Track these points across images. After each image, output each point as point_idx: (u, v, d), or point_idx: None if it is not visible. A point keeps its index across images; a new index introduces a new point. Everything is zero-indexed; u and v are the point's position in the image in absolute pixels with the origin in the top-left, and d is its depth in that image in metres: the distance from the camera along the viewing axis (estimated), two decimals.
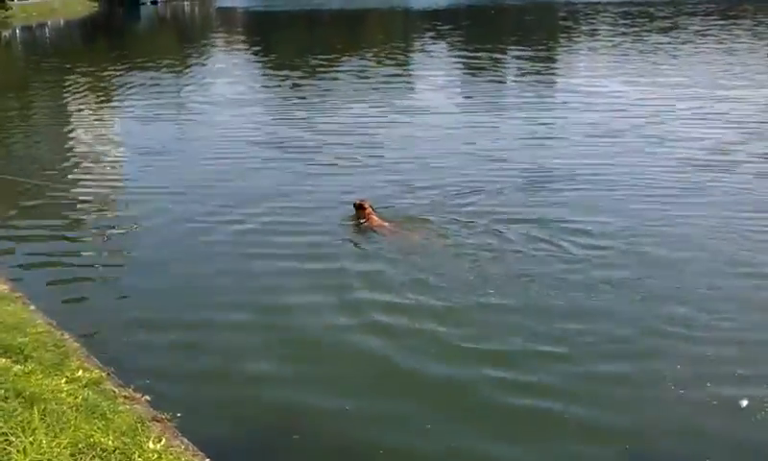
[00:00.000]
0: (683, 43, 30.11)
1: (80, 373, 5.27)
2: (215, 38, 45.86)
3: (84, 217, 10.41)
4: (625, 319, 6.86)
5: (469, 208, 9.88)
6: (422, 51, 33.16)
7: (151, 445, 4.35)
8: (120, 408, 4.81)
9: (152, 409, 5.12)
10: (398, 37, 41.53)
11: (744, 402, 5.51)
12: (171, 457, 4.34)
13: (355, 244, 8.97)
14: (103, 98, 21.97)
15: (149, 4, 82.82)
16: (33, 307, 6.86)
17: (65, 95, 22.03)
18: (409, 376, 6.04)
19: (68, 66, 29.00)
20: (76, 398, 4.71)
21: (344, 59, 28.89)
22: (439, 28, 42.49)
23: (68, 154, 14.69)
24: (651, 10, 46.88)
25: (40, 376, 4.94)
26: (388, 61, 27.90)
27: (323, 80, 23.54)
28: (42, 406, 4.38)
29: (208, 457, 4.74)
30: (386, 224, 9.23)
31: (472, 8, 56.85)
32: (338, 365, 6.27)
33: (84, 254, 9.09)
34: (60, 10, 61.99)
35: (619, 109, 16.61)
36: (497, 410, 5.59)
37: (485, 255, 8.30)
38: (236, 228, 9.46)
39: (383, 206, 9.82)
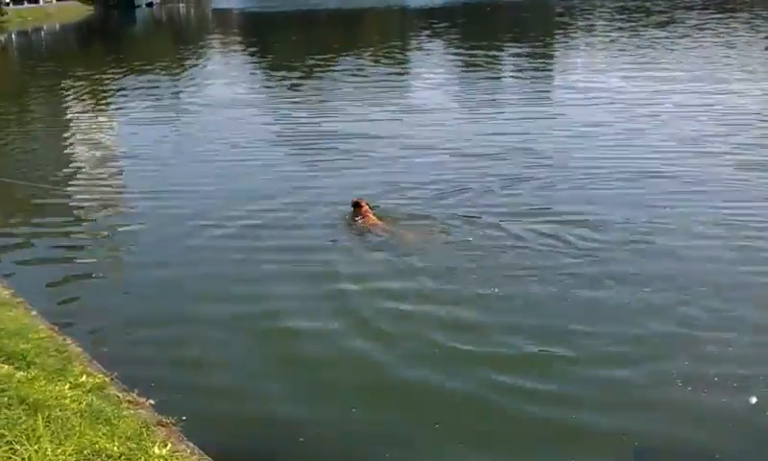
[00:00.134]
0: (680, 37, 30.07)
1: (83, 378, 5.21)
2: (211, 40, 45.84)
3: (82, 220, 10.38)
4: (629, 317, 6.79)
5: (468, 206, 9.84)
6: (419, 49, 33.14)
7: (156, 450, 4.31)
8: (124, 413, 4.76)
9: (156, 413, 5.05)
10: (395, 36, 41.54)
11: (753, 399, 5.45)
12: None
13: (353, 243, 8.95)
14: (99, 101, 21.91)
15: (144, 6, 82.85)
16: (34, 312, 6.81)
17: (62, 99, 22.01)
18: (410, 381, 5.97)
19: (64, 70, 28.98)
20: (80, 403, 4.67)
21: (340, 58, 28.89)
22: (435, 26, 42.46)
23: (66, 157, 14.67)
24: (648, 4, 46.94)
25: (44, 383, 4.89)
26: (385, 60, 27.89)
27: (320, 80, 23.52)
28: (46, 413, 4.33)
29: None
30: (382, 223, 9.20)
31: (468, 5, 56.87)
32: (341, 369, 6.21)
33: (83, 257, 9.03)
34: (55, 14, 62.06)
35: (617, 104, 16.59)
36: (499, 414, 5.51)
37: (484, 253, 8.25)
38: (235, 228, 9.42)
39: (381, 203, 9.81)
